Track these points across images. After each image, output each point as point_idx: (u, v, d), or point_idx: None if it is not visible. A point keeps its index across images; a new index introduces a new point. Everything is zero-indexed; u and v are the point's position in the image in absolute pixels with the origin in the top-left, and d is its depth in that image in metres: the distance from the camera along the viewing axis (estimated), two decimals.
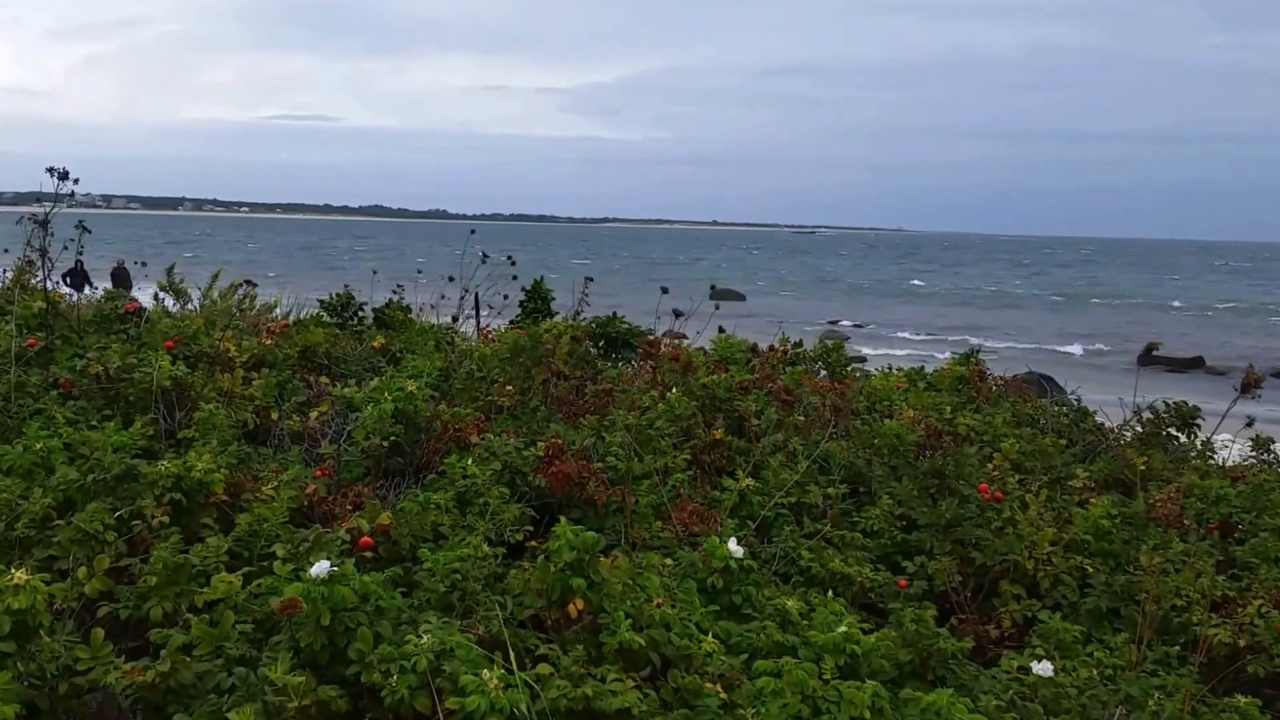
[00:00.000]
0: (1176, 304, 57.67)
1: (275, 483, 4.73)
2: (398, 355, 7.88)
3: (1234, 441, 7.25)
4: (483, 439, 5.55)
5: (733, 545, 4.31)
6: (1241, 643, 4.36)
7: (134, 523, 4.30)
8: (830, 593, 4.51)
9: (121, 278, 18.39)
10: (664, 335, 10.23)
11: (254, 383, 6.35)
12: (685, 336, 11.22)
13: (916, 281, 78.14)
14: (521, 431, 5.98)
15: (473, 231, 11.57)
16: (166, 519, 4.33)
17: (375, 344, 7.96)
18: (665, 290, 12.54)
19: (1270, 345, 39.54)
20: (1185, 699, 3.91)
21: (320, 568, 3.38)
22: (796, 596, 4.31)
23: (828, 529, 5.19)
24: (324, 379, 7.08)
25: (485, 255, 10.34)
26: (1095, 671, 4.01)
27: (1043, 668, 3.78)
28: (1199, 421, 6.85)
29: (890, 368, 8.66)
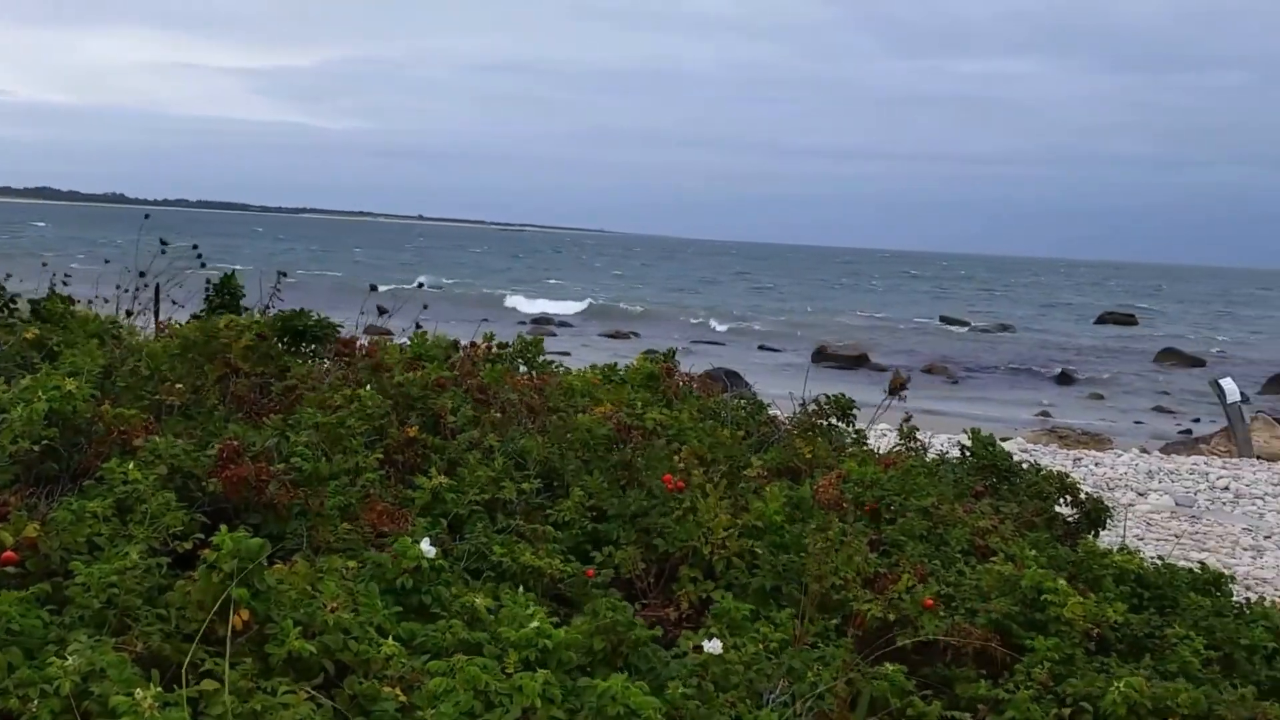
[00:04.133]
0: (860, 311, 61.89)
1: None
2: (55, 350, 7.27)
3: (891, 431, 7.98)
4: (148, 441, 5.20)
5: (425, 545, 4.30)
6: (891, 616, 4.80)
7: None
8: (521, 587, 4.59)
9: None
10: (366, 332, 10.01)
11: None
12: (390, 333, 11.02)
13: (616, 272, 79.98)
14: (196, 433, 5.69)
15: (146, 216, 10.81)
16: None
17: (28, 335, 7.31)
18: (374, 288, 12.29)
19: (920, 346, 43.45)
20: (842, 669, 4.28)
21: None
22: (486, 593, 4.36)
23: (520, 523, 5.27)
24: None
25: (165, 244, 9.73)
26: (762, 647, 4.32)
27: (713, 646, 4.03)
28: (855, 412, 7.54)
29: (593, 366, 8.88)
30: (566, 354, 26.64)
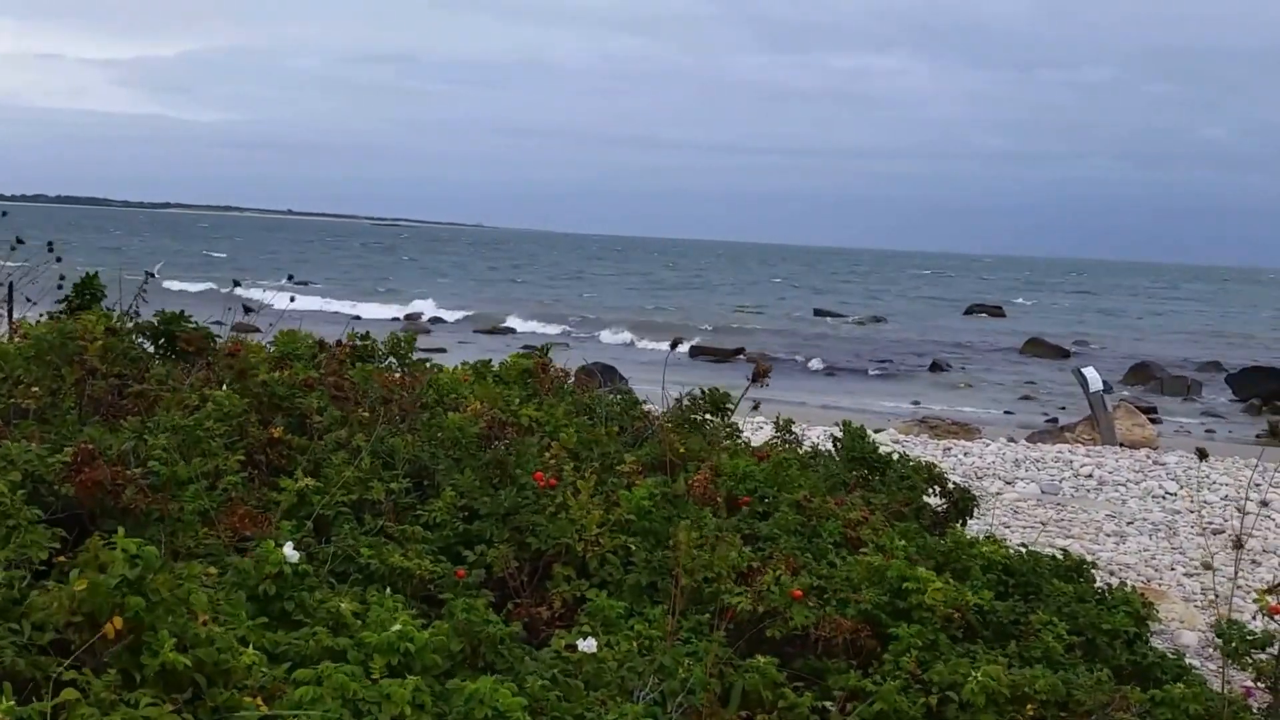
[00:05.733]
0: (734, 304, 62.47)
1: None
2: None
3: (767, 424, 8.06)
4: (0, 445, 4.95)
5: (288, 550, 4.17)
6: (761, 609, 4.84)
7: None
8: (389, 589, 4.50)
9: None
10: (234, 329, 9.67)
11: None
12: (259, 330, 10.68)
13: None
14: (49, 436, 5.43)
15: (3, 214, 10.32)
16: None
17: None
18: (237, 283, 11.88)
19: (795, 339, 44.20)
20: (712, 663, 4.30)
21: None
22: (352, 597, 4.25)
23: (388, 524, 5.17)
24: None
25: (19, 240, 9.28)
26: (636, 644, 4.30)
27: (587, 645, 4.00)
28: (730, 406, 7.60)
29: (464, 363, 8.77)
30: (442, 350, 26.38)
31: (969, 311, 62.52)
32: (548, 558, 5.20)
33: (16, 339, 7.41)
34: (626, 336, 41.78)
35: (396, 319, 42.21)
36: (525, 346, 9.69)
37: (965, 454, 16.40)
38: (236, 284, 11.17)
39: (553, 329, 41.42)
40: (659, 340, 41.54)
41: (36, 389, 6.09)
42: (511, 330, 42.39)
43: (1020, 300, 77.30)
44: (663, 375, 8.05)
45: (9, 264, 9.16)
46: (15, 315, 9.17)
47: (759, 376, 6.83)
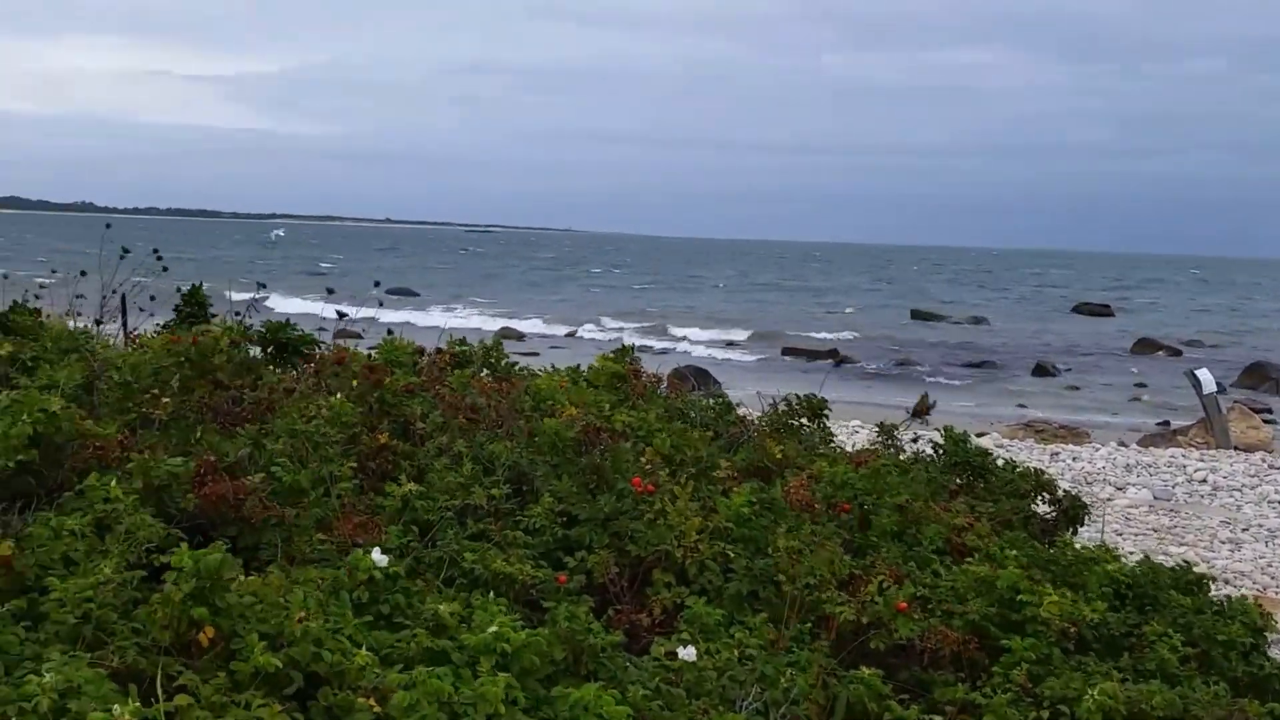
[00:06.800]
0: (829, 306, 61.90)
1: None
2: (29, 364, 7.17)
3: (863, 428, 7.97)
4: (127, 456, 5.15)
5: (376, 555, 4.27)
6: (865, 619, 4.77)
7: None
8: (492, 593, 4.55)
9: None
10: (335, 336, 9.93)
11: None
12: (360, 335, 10.95)
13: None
14: (173, 446, 5.62)
15: (108, 226, 10.76)
16: None
17: (3, 352, 7.22)
18: (331, 291, 12.22)
19: (891, 342, 43.53)
20: (816, 674, 4.25)
21: None
22: (457, 600, 4.31)
23: (491, 528, 5.23)
24: None
25: (126, 250, 9.65)
26: (736, 653, 4.28)
27: (687, 653, 3.99)
28: (827, 412, 7.53)
29: (552, 366, 8.84)
30: (535, 354, 26.65)
31: (1075, 310, 61.01)
32: (646, 564, 5.21)
33: (133, 349, 7.70)
34: (719, 338, 41.64)
35: (491, 326, 42.74)
36: (614, 349, 9.73)
37: (1074, 459, 15.99)
38: (330, 291, 11.51)
39: (640, 332, 41.55)
40: (747, 341, 41.35)
41: (165, 399, 6.30)
42: (599, 333, 42.56)
43: (1128, 298, 75.18)
44: (772, 381, 8.00)
45: (137, 278, 9.51)
46: (130, 325, 9.54)
47: (922, 412, 6.74)
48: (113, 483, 4.65)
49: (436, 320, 38.11)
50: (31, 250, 74.67)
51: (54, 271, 10.23)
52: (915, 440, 8.08)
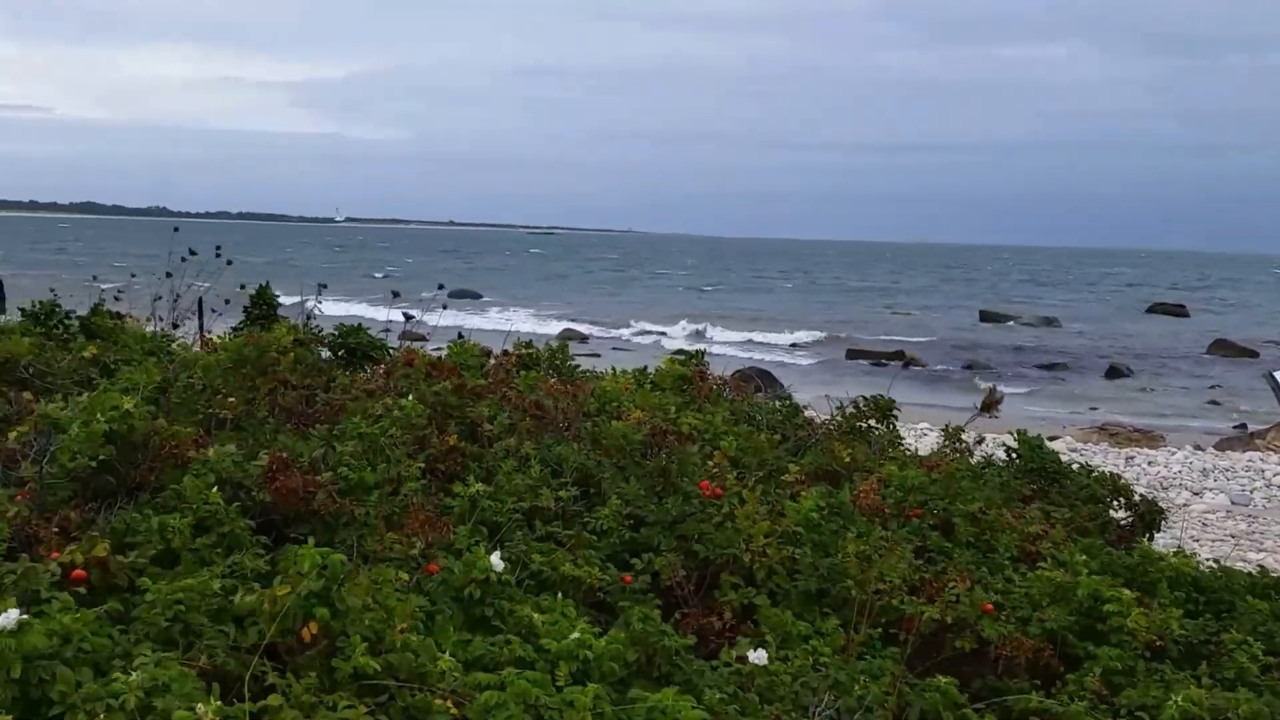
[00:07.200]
0: (896, 307, 61.31)
1: None
2: (111, 366, 7.37)
3: (931, 431, 7.87)
4: (200, 454, 5.25)
5: (494, 559, 4.30)
6: (949, 619, 4.71)
7: None
8: (560, 595, 4.57)
9: None
10: (401, 338, 10.04)
11: None
12: (425, 338, 11.06)
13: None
14: (245, 444, 5.73)
15: (176, 229, 11.00)
16: None
17: (87, 354, 7.42)
18: (396, 294, 12.35)
19: (960, 343, 42.95)
20: (890, 682, 4.20)
21: (7, 618, 3.13)
22: (542, 604, 4.32)
23: (559, 530, 5.24)
24: (26, 393, 6.53)
25: (192, 252, 9.87)
26: (810, 658, 4.24)
27: (758, 656, 3.97)
28: (896, 414, 7.43)
29: (614, 368, 8.86)
30: (597, 355, 26.72)
31: (1150, 310, 59.73)
32: (714, 566, 5.19)
33: (206, 349, 7.87)
34: (785, 339, 41.42)
35: (554, 328, 42.91)
36: (678, 352, 9.70)
37: (1149, 463, 15.67)
38: (395, 294, 11.63)
39: (703, 334, 41.45)
40: (814, 342, 41.06)
41: (234, 400, 6.44)
42: (661, 334, 42.55)
43: (1206, 298, 73.45)
44: (838, 383, 7.94)
45: (206, 283, 9.72)
46: (203, 326, 9.76)
47: (990, 406, 6.66)
48: (213, 490, 4.71)
49: (499, 322, 38.41)
50: (108, 255, 76.56)
51: (133, 276, 10.48)
52: (981, 441, 7.95)
